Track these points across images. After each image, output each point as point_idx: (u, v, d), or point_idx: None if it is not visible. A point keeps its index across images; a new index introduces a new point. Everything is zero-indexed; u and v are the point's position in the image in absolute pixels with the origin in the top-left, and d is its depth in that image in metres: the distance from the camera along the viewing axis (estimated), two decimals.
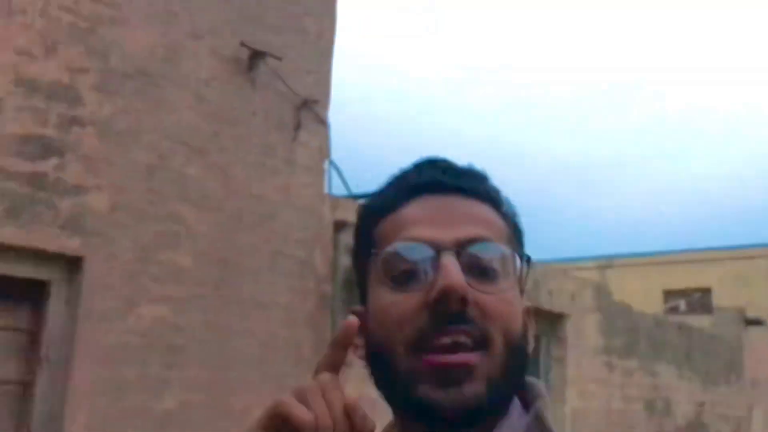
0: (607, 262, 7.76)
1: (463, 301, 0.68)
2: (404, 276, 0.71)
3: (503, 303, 0.71)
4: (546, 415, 0.75)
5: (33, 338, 2.66)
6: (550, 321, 5.99)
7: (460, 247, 0.71)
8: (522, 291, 0.78)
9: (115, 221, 2.81)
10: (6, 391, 2.62)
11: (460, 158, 0.84)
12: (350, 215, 4.10)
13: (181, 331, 2.95)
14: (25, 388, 2.64)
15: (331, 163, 4.12)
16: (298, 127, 3.63)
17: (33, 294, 2.68)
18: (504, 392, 0.71)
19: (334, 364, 0.64)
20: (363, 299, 0.78)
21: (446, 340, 0.68)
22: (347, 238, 4.04)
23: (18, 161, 2.55)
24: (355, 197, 4.46)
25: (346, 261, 4.00)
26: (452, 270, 0.68)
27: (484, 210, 0.76)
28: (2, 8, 2.55)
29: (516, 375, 0.73)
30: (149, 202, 2.93)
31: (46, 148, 2.63)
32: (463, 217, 0.74)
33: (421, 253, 0.71)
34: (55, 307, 2.70)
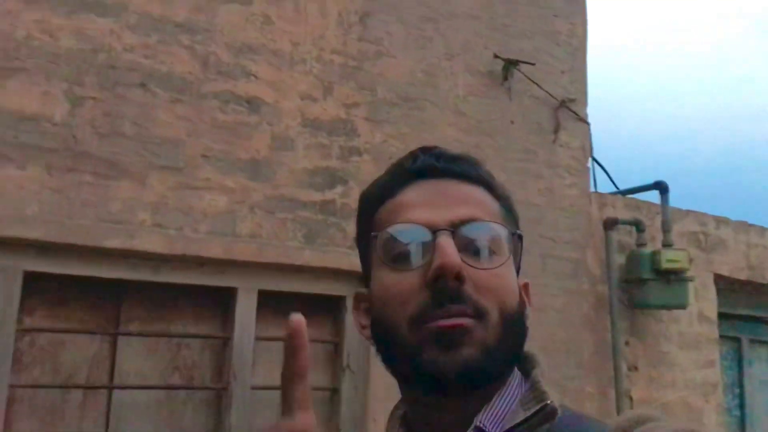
0: None
1: (459, 277, 0.72)
2: (402, 257, 0.75)
3: (497, 278, 0.75)
4: (541, 381, 0.77)
5: (336, 349, 2.98)
6: None
7: (454, 228, 0.75)
8: (518, 268, 0.82)
9: None
10: (318, 397, 2.96)
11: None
12: (619, 212, 3.96)
13: None
14: (333, 393, 2.95)
15: (594, 160, 4.03)
16: (557, 128, 3.62)
17: (332, 308, 3.00)
18: (499, 359, 0.74)
19: (299, 372, 0.62)
20: (367, 283, 0.83)
21: (447, 322, 0.72)
22: (618, 236, 3.91)
23: (310, 192, 2.88)
24: (623, 193, 4.30)
25: (619, 260, 3.87)
26: (447, 249, 0.72)
27: (476, 192, 0.80)
28: (286, 61, 2.91)
29: (511, 344, 0.76)
30: None
31: (332, 178, 2.94)
32: (456, 199, 0.78)
33: (417, 235, 0.75)
34: (352, 320, 2.99)
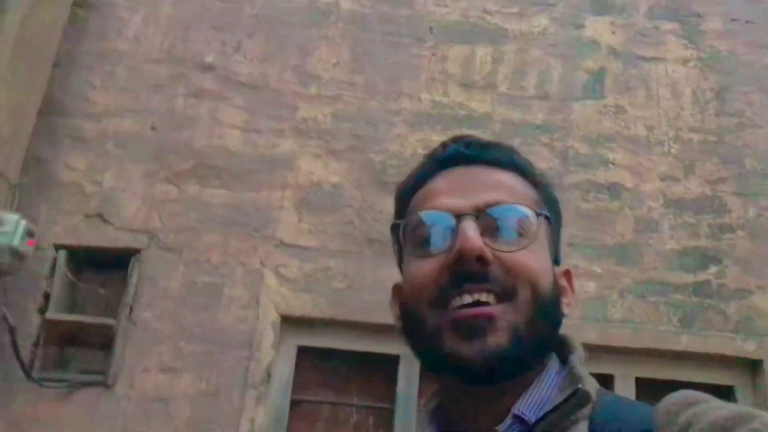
0: None
1: (481, 260, 0.70)
2: (427, 242, 0.74)
3: (527, 258, 0.72)
4: (577, 366, 0.75)
5: None
6: None
7: (478, 212, 0.73)
8: (556, 252, 0.79)
9: None
10: None
11: None
12: None
13: None
14: None
15: None
16: None
17: (720, 398, 2.76)
18: (530, 344, 0.71)
19: None
20: (401, 271, 0.81)
21: (467, 298, 0.70)
22: None
23: (681, 273, 2.78)
24: None
25: None
26: (468, 232, 0.70)
27: (507, 177, 0.78)
28: (643, 145, 2.93)
29: (544, 328, 0.73)
30: None
31: (704, 258, 2.80)
32: (483, 185, 0.76)
33: (441, 220, 0.74)
34: None
